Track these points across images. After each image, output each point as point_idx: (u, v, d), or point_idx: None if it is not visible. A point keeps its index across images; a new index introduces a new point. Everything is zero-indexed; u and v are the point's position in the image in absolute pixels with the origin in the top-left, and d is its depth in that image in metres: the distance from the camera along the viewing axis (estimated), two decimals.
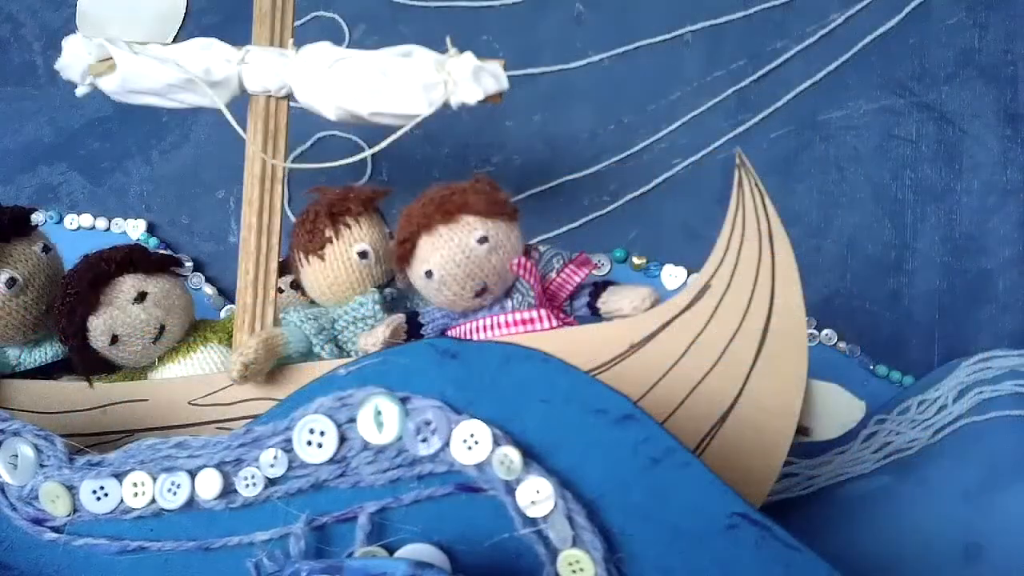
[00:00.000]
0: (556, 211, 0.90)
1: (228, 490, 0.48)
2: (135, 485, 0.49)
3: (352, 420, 0.46)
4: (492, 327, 0.58)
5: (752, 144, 0.87)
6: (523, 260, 0.57)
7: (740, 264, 0.52)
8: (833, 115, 0.87)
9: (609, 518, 0.43)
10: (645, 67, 0.91)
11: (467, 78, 0.57)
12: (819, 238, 0.86)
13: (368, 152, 0.61)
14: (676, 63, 0.90)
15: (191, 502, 0.49)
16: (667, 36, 0.90)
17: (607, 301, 0.60)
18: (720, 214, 0.52)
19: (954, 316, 0.84)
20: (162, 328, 0.63)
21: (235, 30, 0.65)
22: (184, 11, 1.03)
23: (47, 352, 0.67)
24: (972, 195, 0.85)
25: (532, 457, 0.43)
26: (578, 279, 0.60)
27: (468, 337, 0.59)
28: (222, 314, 0.93)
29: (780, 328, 0.51)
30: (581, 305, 0.61)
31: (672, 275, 0.85)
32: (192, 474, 0.49)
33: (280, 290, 0.68)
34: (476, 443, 0.43)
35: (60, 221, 0.99)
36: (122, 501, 0.50)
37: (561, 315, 0.59)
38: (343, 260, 0.63)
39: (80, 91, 0.64)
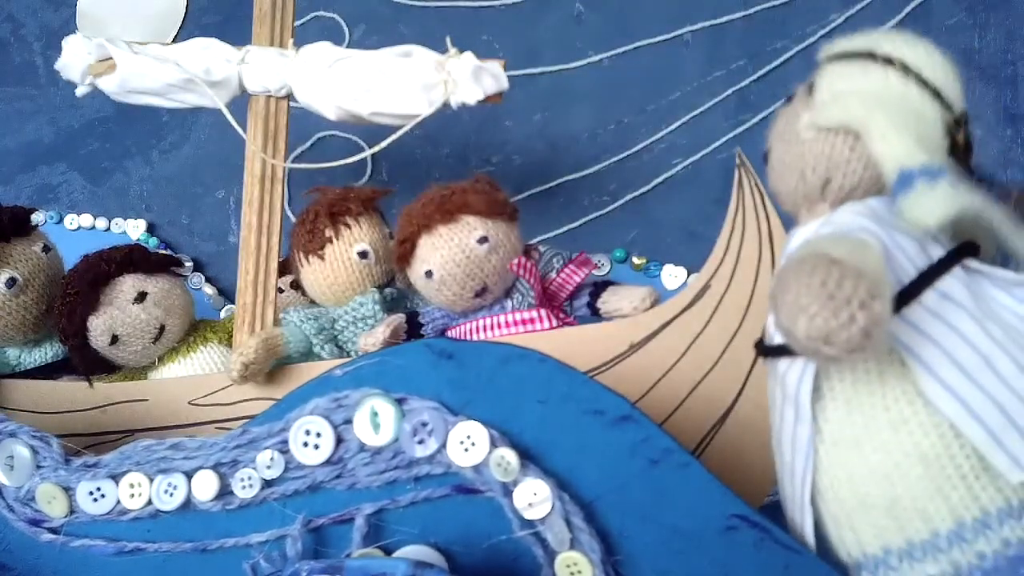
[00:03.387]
0: (556, 211, 0.90)
1: (224, 491, 0.48)
2: (131, 486, 0.49)
3: (348, 421, 0.46)
4: (492, 327, 0.58)
5: (752, 144, 0.86)
6: (523, 260, 0.57)
7: (740, 264, 0.51)
8: None
9: (607, 520, 0.43)
10: (645, 67, 0.91)
11: (467, 78, 0.57)
12: None
13: (368, 152, 0.61)
14: (676, 63, 0.90)
15: (187, 503, 0.48)
16: (667, 36, 0.90)
17: (607, 301, 0.59)
18: (720, 214, 0.52)
19: None
20: (162, 328, 0.63)
21: (235, 30, 0.65)
22: (184, 11, 1.03)
23: (47, 352, 0.67)
24: None
25: (529, 458, 0.43)
26: (578, 279, 0.60)
27: (468, 337, 0.59)
28: (222, 314, 0.93)
29: None
30: (581, 305, 0.61)
31: (672, 275, 0.85)
32: (188, 475, 0.48)
33: (280, 290, 0.68)
34: (473, 444, 0.43)
35: (60, 221, 0.99)
36: (119, 502, 0.50)
37: (561, 315, 0.59)
38: (343, 260, 0.63)
39: (80, 91, 0.64)
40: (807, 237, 0.40)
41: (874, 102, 0.38)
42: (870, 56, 0.39)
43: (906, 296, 0.36)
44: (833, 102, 0.39)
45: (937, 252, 0.37)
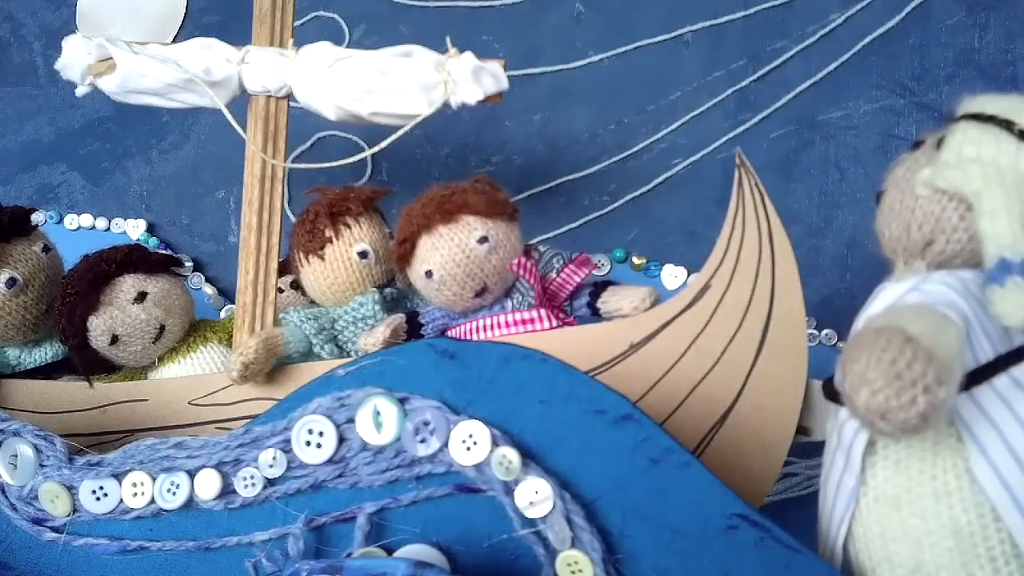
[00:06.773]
0: (556, 211, 0.90)
1: (227, 490, 0.48)
2: (134, 485, 0.50)
3: (351, 420, 0.46)
4: (492, 327, 0.58)
5: (752, 144, 0.87)
6: (523, 260, 0.57)
7: (740, 264, 0.51)
8: (833, 115, 0.87)
9: (608, 519, 0.43)
10: (645, 67, 0.91)
11: (467, 78, 0.57)
12: (819, 238, 0.86)
13: (368, 152, 0.61)
14: (676, 63, 0.90)
15: (190, 502, 0.49)
16: (667, 36, 0.90)
17: (607, 301, 0.59)
18: (720, 214, 0.52)
19: None
20: (162, 328, 0.63)
21: (235, 30, 0.66)
22: (184, 11, 1.03)
23: (47, 352, 0.67)
24: None
25: (531, 457, 0.43)
26: (578, 279, 0.60)
27: (468, 337, 0.59)
28: (222, 314, 0.93)
29: (780, 328, 0.51)
30: (581, 305, 0.61)
31: (672, 275, 0.85)
32: (191, 474, 0.49)
33: (280, 290, 0.68)
34: (475, 443, 0.43)
35: (60, 221, 0.99)
36: (121, 501, 0.50)
37: (561, 315, 0.59)
38: (343, 260, 0.63)
39: (80, 91, 0.64)
40: (891, 302, 0.39)
41: (996, 177, 0.37)
42: (1008, 126, 0.38)
43: (978, 376, 0.36)
44: (956, 166, 0.38)
45: (1020, 339, 0.37)
